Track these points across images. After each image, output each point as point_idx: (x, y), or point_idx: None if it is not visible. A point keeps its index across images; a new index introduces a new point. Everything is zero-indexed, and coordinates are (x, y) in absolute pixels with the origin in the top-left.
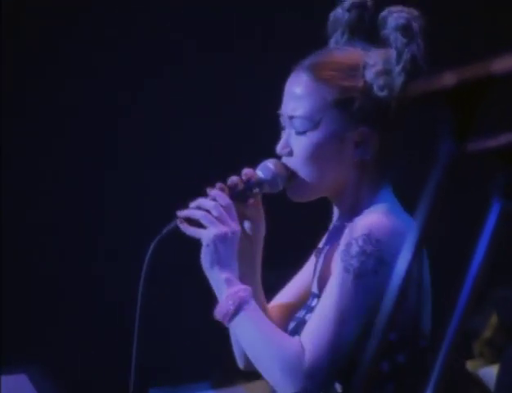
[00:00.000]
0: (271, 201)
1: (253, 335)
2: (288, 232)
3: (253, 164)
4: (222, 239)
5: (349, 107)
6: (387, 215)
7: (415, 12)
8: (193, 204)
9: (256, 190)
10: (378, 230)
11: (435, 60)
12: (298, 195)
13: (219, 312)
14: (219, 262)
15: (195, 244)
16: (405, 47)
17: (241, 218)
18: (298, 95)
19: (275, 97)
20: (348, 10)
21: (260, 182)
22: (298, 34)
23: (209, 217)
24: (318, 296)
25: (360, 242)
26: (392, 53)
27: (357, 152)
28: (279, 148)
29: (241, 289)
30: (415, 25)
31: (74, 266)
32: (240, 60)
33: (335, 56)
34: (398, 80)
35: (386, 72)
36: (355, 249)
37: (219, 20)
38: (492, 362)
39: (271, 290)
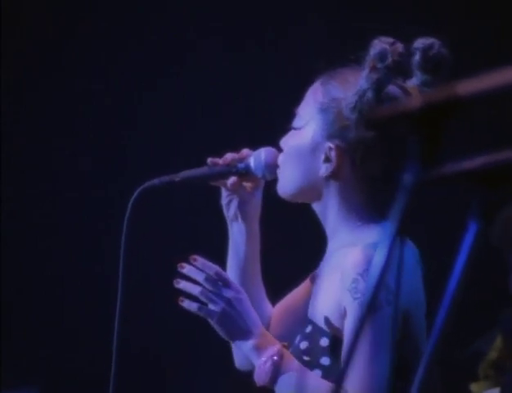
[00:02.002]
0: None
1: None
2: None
3: None
4: (224, 318)
5: (328, 118)
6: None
7: (400, 48)
8: (184, 270)
9: (243, 171)
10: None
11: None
12: (279, 190)
13: (259, 380)
14: (236, 335)
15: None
16: (368, 74)
17: (231, 195)
18: (307, 95)
19: (285, 96)
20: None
21: (247, 168)
22: (308, 41)
23: (205, 294)
24: (311, 323)
25: (365, 277)
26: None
27: (323, 167)
28: (281, 142)
29: (272, 354)
30: (390, 59)
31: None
32: (251, 60)
33: (346, 69)
34: (358, 105)
35: (358, 95)
36: (363, 285)
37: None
38: (497, 384)
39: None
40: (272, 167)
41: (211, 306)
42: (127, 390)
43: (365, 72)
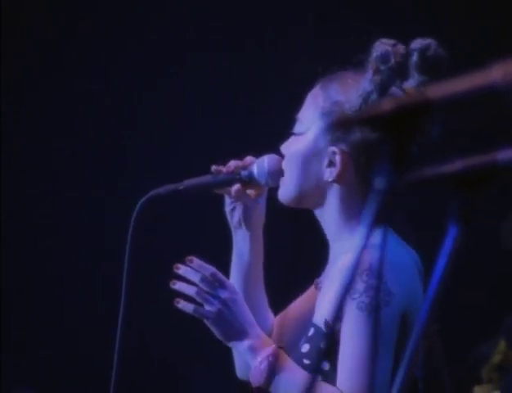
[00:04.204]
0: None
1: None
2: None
3: None
4: (219, 318)
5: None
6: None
7: (402, 49)
8: (180, 270)
9: (246, 179)
10: (378, 263)
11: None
12: (281, 196)
13: (254, 381)
14: (231, 336)
15: None
16: (371, 76)
17: (235, 203)
18: (307, 100)
19: (285, 97)
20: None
21: (251, 175)
22: (308, 41)
23: (201, 293)
24: (314, 326)
25: (364, 278)
26: (364, 83)
27: (327, 171)
28: (282, 147)
29: (267, 354)
30: (393, 60)
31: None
32: (251, 61)
33: (347, 72)
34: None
35: (362, 97)
36: (361, 285)
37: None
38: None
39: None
40: (276, 174)
41: (207, 307)
42: (127, 390)
43: (368, 74)
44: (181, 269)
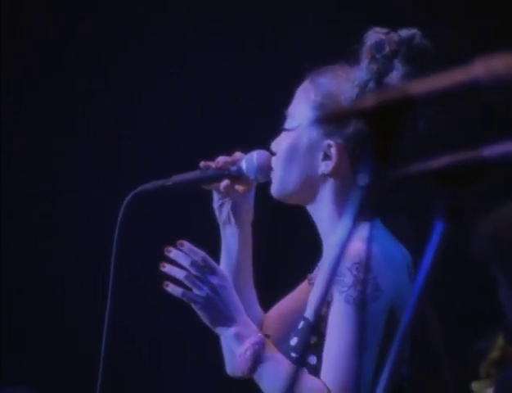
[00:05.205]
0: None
1: (275, 385)
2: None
3: None
4: (208, 303)
5: None
6: (375, 241)
7: (395, 37)
8: (171, 254)
9: (235, 174)
10: (368, 257)
11: None
12: (273, 192)
13: (239, 368)
14: (218, 322)
15: None
16: (366, 66)
17: (223, 198)
18: (296, 95)
19: (280, 98)
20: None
21: (240, 170)
22: (308, 41)
23: (190, 279)
24: (305, 319)
25: (354, 271)
26: (357, 73)
27: (322, 165)
28: (272, 144)
29: (253, 342)
30: (388, 48)
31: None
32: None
33: (336, 66)
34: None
35: (359, 87)
36: (350, 278)
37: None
38: None
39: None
40: (265, 169)
41: (195, 291)
42: (124, 389)
43: (363, 63)
44: (172, 253)
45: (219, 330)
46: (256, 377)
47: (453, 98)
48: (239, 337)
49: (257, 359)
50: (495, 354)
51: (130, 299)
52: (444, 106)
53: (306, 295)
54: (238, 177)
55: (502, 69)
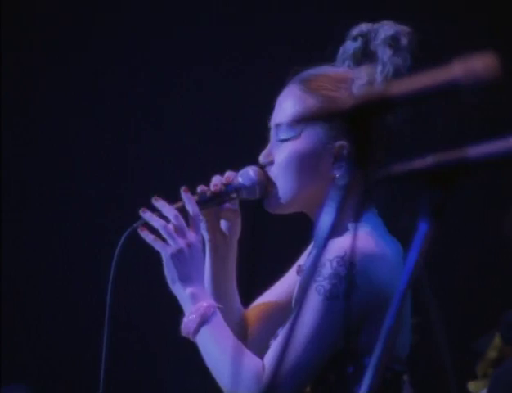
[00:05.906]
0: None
1: (214, 351)
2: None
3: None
4: (178, 255)
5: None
6: (365, 238)
7: (407, 29)
8: (158, 203)
9: (233, 195)
10: (353, 253)
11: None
12: (274, 205)
13: (184, 327)
14: (180, 278)
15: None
16: (389, 59)
17: (215, 221)
18: (285, 104)
19: (267, 107)
20: (354, 39)
21: (239, 188)
22: (293, 45)
23: (168, 228)
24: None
25: (334, 264)
26: (378, 66)
27: (334, 167)
28: (261, 157)
29: (205, 305)
30: (404, 40)
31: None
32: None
33: (325, 69)
34: None
35: (370, 85)
36: (328, 270)
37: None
38: None
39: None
40: (261, 184)
41: (170, 242)
42: (123, 389)
43: (386, 55)
44: (160, 202)
45: (176, 287)
46: (198, 339)
47: (432, 98)
48: (193, 298)
49: (203, 321)
50: (492, 354)
51: (130, 299)
52: (423, 106)
53: (292, 288)
54: (237, 196)
55: (481, 69)
